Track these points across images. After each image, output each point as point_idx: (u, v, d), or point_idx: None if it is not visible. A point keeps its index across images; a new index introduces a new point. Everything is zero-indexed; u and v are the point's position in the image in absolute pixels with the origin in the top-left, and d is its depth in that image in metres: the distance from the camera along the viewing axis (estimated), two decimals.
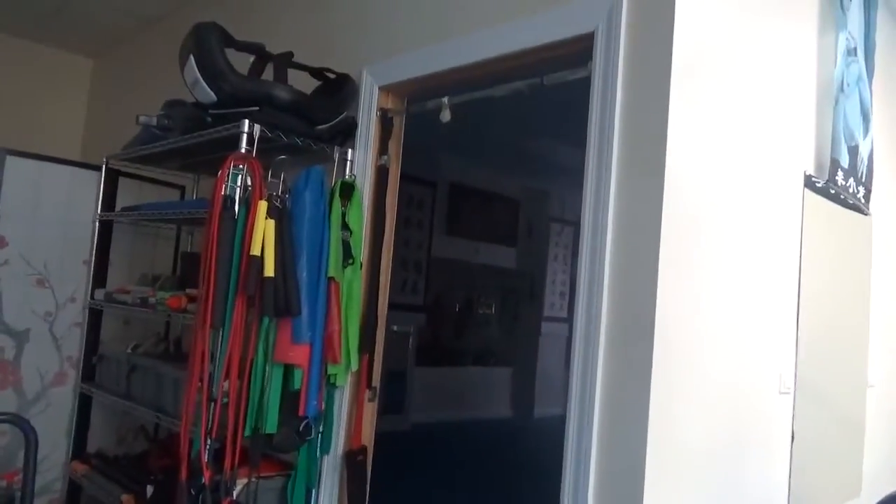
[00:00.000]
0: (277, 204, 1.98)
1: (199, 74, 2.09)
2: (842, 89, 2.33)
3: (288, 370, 2.02)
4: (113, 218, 2.91)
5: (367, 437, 2.29)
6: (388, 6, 2.39)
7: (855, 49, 2.45)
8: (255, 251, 1.89)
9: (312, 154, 2.31)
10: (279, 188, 2.08)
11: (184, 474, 1.93)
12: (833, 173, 2.27)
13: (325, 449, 2.21)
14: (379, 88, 2.31)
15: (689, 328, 1.67)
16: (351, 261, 2.17)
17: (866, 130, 2.54)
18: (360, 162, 2.31)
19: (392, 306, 2.44)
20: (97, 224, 2.92)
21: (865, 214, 2.60)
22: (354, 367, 2.19)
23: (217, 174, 2.00)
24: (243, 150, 2.05)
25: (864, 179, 2.53)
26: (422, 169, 5.92)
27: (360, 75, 2.35)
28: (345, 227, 2.17)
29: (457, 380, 6.76)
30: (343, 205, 2.19)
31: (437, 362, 6.59)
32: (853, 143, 2.43)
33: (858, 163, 2.48)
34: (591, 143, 1.70)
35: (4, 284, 2.89)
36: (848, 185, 2.39)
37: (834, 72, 2.29)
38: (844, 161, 2.36)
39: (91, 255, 2.92)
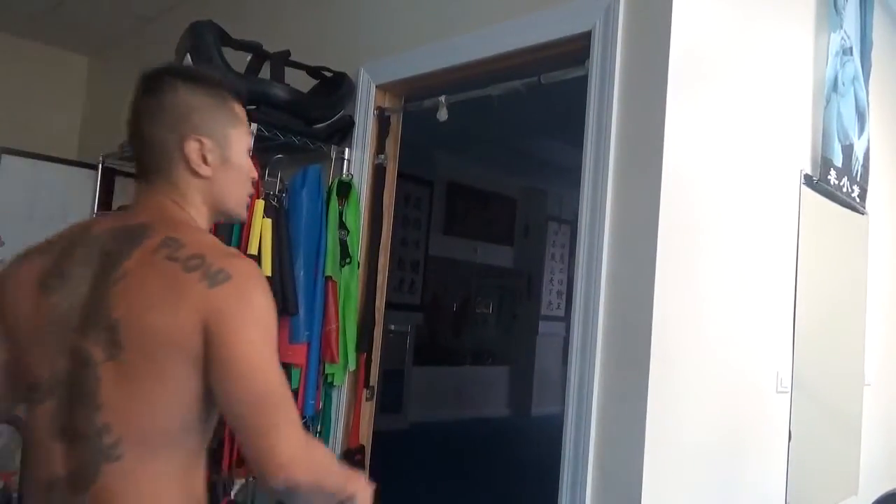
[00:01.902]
0: (274, 203, 1.98)
1: None
2: (835, 89, 2.33)
3: (286, 370, 2.02)
4: None
5: (365, 437, 2.28)
6: (385, 5, 2.39)
7: (851, 48, 2.45)
8: (252, 250, 1.89)
9: (309, 153, 2.31)
10: (276, 187, 2.08)
11: None
12: (825, 172, 2.27)
13: None
14: (376, 87, 2.31)
15: (686, 326, 1.68)
16: (348, 260, 2.16)
17: (861, 129, 2.54)
18: (358, 161, 2.31)
19: (389, 305, 2.44)
20: None
21: (862, 213, 2.60)
22: (352, 366, 2.19)
23: None
24: None
25: (858, 178, 2.53)
26: (419, 168, 5.92)
27: (358, 74, 2.35)
28: (342, 226, 2.16)
29: (454, 379, 6.77)
30: (340, 204, 2.19)
31: (434, 361, 6.59)
32: (847, 142, 2.43)
33: (853, 162, 2.48)
34: (588, 142, 1.70)
35: None
36: (841, 184, 2.39)
37: (825, 71, 2.29)
38: (838, 160, 2.36)
39: None
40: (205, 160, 0.99)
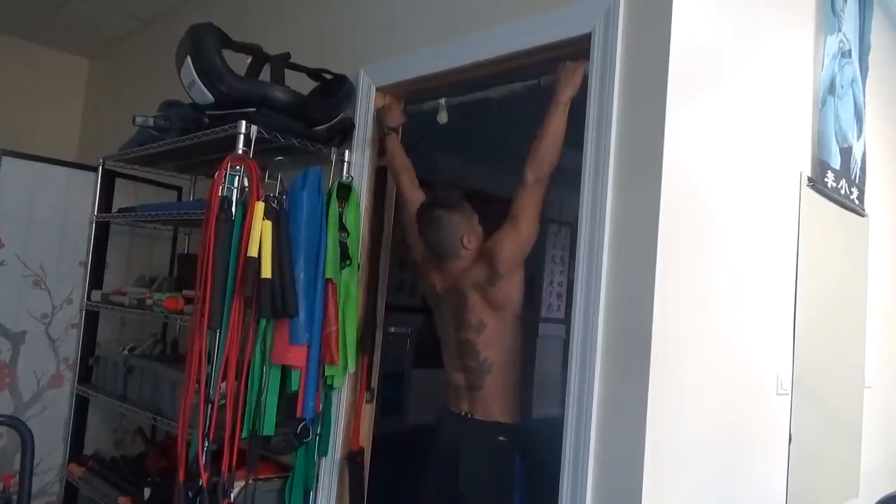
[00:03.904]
0: (274, 205, 1.98)
1: (195, 75, 2.09)
2: (831, 91, 2.33)
3: (286, 372, 2.02)
4: (109, 219, 2.91)
5: (366, 439, 2.28)
6: (385, 7, 2.39)
7: (850, 51, 2.46)
8: (253, 252, 1.89)
9: (310, 155, 2.31)
10: (276, 189, 2.08)
11: (181, 476, 1.92)
12: (822, 175, 2.27)
13: (324, 451, 2.21)
14: (376, 89, 2.31)
15: (686, 329, 1.68)
16: (348, 262, 2.16)
17: (860, 132, 2.54)
18: (358, 163, 2.31)
19: (390, 307, 2.44)
20: (94, 225, 2.91)
21: (862, 215, 2.60)
22: (352, 368, 2.19)
23: (214, 175, 1.99)
24: (240, 151, 2.04)
25: (857, 181, 2.53)
26: (419, 170, 5.91)
27: (358, 76, 2.35)
28: (342, 228, 2.16)
29: None
30: (340, 206, 2.19)
31: (435, 364, 6.55)
32: (846, 145, 2.43)
33: (851, 164, 2.48)
34: (588, 144, 1.70)
35: (0, 286, 2.89)
36: (839, 186, 2.39)
37: (821, 74, 2.29)
38: (835, 162, 2.36)
39: (87, 256, 2.91)
40: (469, 242, 2.01)
